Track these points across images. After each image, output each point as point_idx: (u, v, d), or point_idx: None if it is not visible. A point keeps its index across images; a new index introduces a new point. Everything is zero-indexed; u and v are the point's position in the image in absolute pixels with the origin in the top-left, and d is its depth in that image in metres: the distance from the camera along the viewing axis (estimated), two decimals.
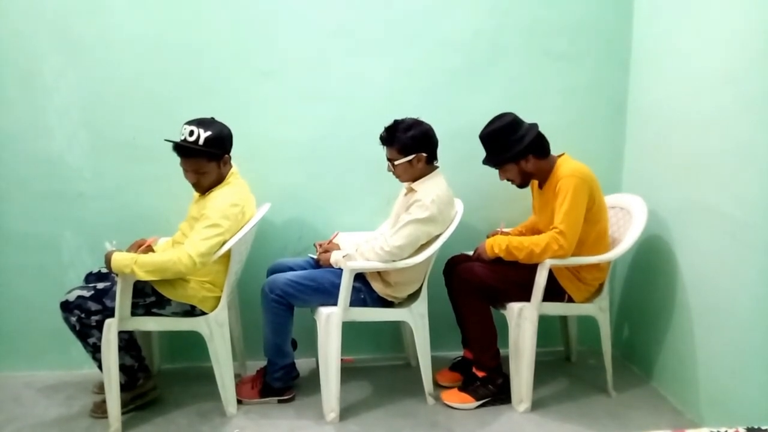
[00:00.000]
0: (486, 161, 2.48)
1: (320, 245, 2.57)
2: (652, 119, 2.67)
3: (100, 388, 2.40)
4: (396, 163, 2.41)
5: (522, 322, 2.41)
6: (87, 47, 2.60)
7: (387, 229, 2.57)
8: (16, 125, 2.63)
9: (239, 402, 2.45)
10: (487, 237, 2.56)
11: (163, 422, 2.37)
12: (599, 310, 2.53)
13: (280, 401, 2.50)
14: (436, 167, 2.48)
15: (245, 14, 2.65)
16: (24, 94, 2.61)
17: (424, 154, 2.40)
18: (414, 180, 2.45)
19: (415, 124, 2.40)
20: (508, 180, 2.51)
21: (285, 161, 2.76)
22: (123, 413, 2.30)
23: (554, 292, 2.42)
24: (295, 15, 2.67)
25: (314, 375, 2.57)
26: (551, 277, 2.38)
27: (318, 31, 2.69)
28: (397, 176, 2.48)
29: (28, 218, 2.69)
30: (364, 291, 2.42)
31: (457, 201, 2.54)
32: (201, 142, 2.27)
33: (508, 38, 2.76)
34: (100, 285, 2.30)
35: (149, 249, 2.31)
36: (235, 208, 2.31)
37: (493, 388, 2.49)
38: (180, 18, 2.62)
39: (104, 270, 2.49)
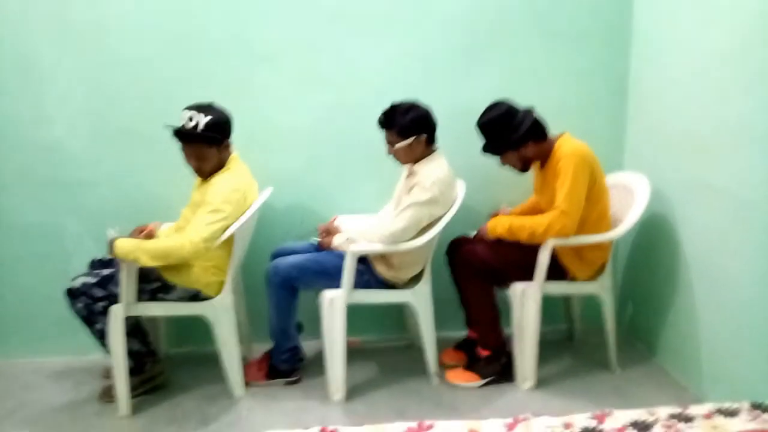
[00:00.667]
0: (485, 150, 2.47)
1: (322, 228, 2.57)
2: (653, 99, 2.66)
3: (108, 373, 2.43)
4: (396, 146, 2.41)
5: (525, 301, 2.42)
6: (85, 34, 2.58)
7: (389, 212, 2.57)
8: (16, 114, 2.61)
9: (246, 384, 2.48)
10: (489, 217, 2.56)
11: (170, 406, 2.40)
12: (602, 289, 2.54)
13: (286, 383, 2.52)
14: (436, 149, 2.47)
15: None
16: (23, 82, 2.59)
17: (424, 136, 2.40)
18: (414, 162, 2.45)
19: (414, 106, 2.39)
20: (509, 166, 2.51)
21: (285, 146, 2.75)
22: (131, 397, 2.33)
23: (557, 271, 2.43)
24: None
25: (320, 357, 2.59)
26: (553, 257, 2.38)
27: (316, 15, 2.66)
28: (397, 159, 2.47)
29: (30, 207, 2.69)
30: (368, 274, 2.43)
31: (459, 182, 2.54)
32: (200, 127, 2.26)
33: (508, 19, 2.73)
34: (105, 271, 2.32)
35: (151, 235, 2.31)
36: (237, 193, 2.31)
37: (498, 367, 2.51)
38: (178, 3, 2.59)
39: (109, 256, 2.50)
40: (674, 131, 2.48)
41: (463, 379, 2.51)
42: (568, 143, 2.40)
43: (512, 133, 2.38)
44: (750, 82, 2.02)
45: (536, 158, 2.48)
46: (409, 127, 2.37)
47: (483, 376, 2.50)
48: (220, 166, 2.38)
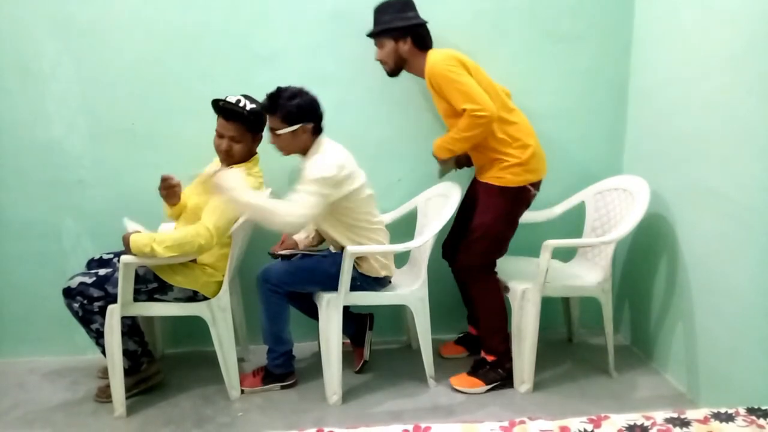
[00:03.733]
0: (368, 33, 2.46)
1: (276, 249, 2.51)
2: (653, 101, 2.65)
3: (105, 373, 2.43)
4: (279, 132, 2.28)
5: (525, 304, 2.42)
6: (84, 33, 2.58)
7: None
8: (15, 113, 2.61)
9: (242, 392, 2.46)
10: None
11: (167, 406, 2.39)
12: (602, 292, 2.54)
13: (282, 387, 2.51)
14: (319, 136, 2.37)
15: None
16: (22, 81, 2.59)
17: (310, 125, 2.31)
18: (298, 152, 2.36)
19: (301, 92, 2.30)
20: (381, 63, 2.48)
21: None
22: (127, 397, 2.33)
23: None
24: None
25: (316, 358, 2.58)
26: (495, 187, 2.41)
27: (317, 15, 2.66)
28: (280, 149, 2.35)
29: (28, 206, 2.69)
30: (359, 278, 2.41)
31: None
32: (248, 110, 2.33)
33: (508, 19, 2.73)
34: (102, 271, 2.31)
35: (177, 189, 2.39)
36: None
37: (502, 372, 2.50)
38: (177, 2, 2.59)
39: (106, 256, 2.50)
40: (674, 134, 2.48)
41: (467, 384, 2.49)
42: (431, 56, 2.39)
43: (399, 21, 2.39)
44: (751, 86, 2.01)
45: (410, 65, 2.46)
46: (294, 113, 2.25)
47: (487, 382, 2.49)
48: (246, 156, 2.41)
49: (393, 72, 2.49)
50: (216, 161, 2.50)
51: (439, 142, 2.45)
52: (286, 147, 2.35)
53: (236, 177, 2.17)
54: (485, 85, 2.36)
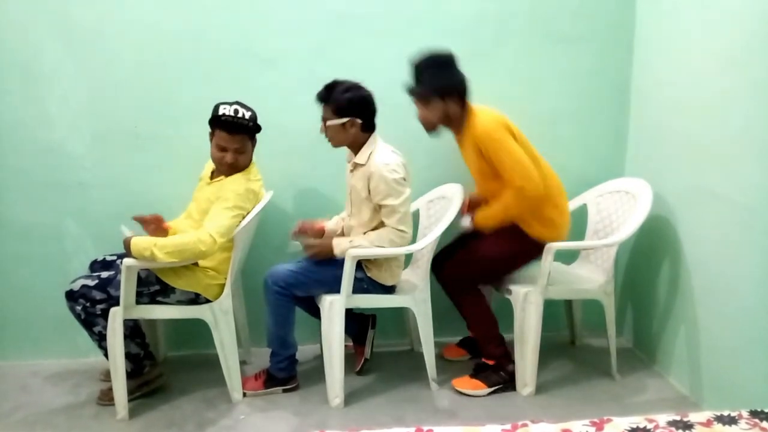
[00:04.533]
0: (412, 91, 2.38)
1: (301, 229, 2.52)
2: (655, 103, 2.65)
3: (107, 376, 2.42)
4: (328, 123, 2.32)
5: (527, 306, 2.42)
6: (86, 35, 2.58)
7: (348, 209, 2.51)
8: (16, 115, 2.61)
9: (244, 395, 2.46)
10: (461, 213, 2.53)
11: (169, 409, 2.39)
12: (604, 294, 2.53)
13: (284, 390, 2.51)
14: (374, 134, 2.40)
15: (245, 0, 2.62)
16: (23, 83, 2.59)
17: (359, 120, 2.32)
18: (345, 145, 2.39)
19: (355, 87, 2.32)
20: (423, 122, 2.42)
21: (287, 149, 2.75)
22: (130, 400, 2.33)
23: (530, 243, 2.40)
24: (296, 1, 2.64)
25: (318, 361, 2.58)
26: (523, 233, 2.38)
27: (319, 17, 2.66)
28: (329, 139, 2.39)
29: (30, 208, 2.69)
30: (366, 281, 2.41)
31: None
32: (249, 120, 2.33)
33: (510, 22, 2.73)
34: (105, 274, 2.31)
35: (158, 223, 2.38)
36: (251, 194, 2.36)
37: (504, 375, 2.49)
38: (179, 4, 2.60)
39: (109, 258, 2.50)
40: (676, 137, 2.48)
41: (470, 386, 2.49)
42: (478, 117, 2.34)
43: (449, 79, 2.33)
44: (752, 88, 2.01)
45: (453, 121, 2.40)
46: (344, 106, 2.29)
47: (490, 385, 2.49)
48: (248, 163, 2.41)
49: (434, 130, 2.43)
50: (208, 167, 2.50)
51: (486, 217, 2.42)
52: (335, 138, 2.37)
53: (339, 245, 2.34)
54: (527, 147, 2.35)
